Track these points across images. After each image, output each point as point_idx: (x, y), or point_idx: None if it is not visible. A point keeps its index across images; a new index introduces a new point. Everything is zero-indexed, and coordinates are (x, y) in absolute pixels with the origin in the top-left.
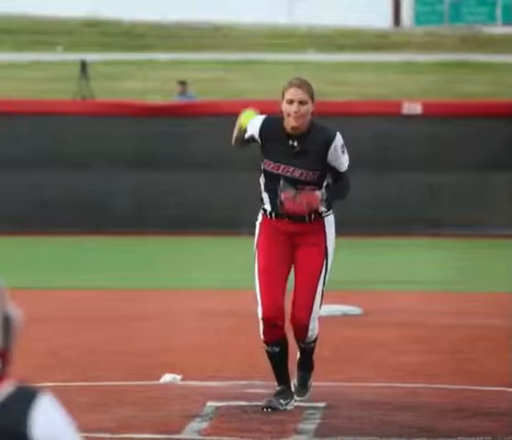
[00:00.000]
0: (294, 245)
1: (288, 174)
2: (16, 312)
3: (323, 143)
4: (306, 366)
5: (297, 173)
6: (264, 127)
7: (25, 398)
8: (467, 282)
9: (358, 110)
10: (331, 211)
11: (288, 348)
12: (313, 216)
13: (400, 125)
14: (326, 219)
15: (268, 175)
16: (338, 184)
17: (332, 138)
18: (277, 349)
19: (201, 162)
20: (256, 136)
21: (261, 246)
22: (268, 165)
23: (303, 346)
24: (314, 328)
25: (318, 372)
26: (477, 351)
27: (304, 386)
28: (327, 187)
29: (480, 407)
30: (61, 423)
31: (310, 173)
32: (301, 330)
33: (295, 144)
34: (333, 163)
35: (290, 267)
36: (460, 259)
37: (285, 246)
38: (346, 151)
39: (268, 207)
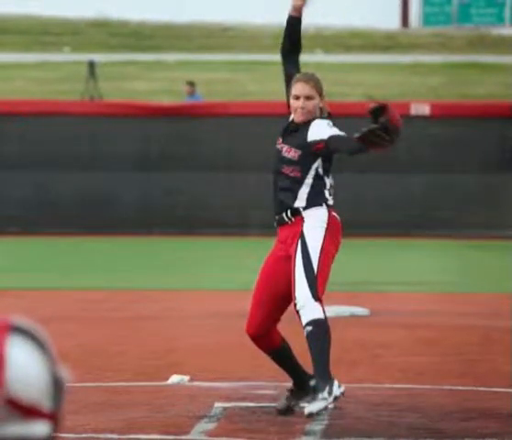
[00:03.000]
0: (289, 257)
1: (283, 152)
2: (64, 372)
3: (309, 124)
4: (313, 358)
5: (284, 148)
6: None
7: None
8: (475, 284)
9: (366, 111)
10: (317, 207)
11: (286, 353)
12: (290, 213)
13: (408, 126)
14: (305, 215)
15: (274, 158)
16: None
17: (315, 119)
18: (271, 357)
19: (209, 163)
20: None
21: (264, 263)
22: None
23: (304, 331)
24: (303, 304)
25: None
26: (485, 352)
27: (315, 387)
28: (315, 179)
29: (487, 408)
30: None
31: (292, 150)
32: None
33: (292, 130)
34: (315, 137)
35: (286, 287)
36: (468, 261)
37: (281, 263)
38: (335, 128)
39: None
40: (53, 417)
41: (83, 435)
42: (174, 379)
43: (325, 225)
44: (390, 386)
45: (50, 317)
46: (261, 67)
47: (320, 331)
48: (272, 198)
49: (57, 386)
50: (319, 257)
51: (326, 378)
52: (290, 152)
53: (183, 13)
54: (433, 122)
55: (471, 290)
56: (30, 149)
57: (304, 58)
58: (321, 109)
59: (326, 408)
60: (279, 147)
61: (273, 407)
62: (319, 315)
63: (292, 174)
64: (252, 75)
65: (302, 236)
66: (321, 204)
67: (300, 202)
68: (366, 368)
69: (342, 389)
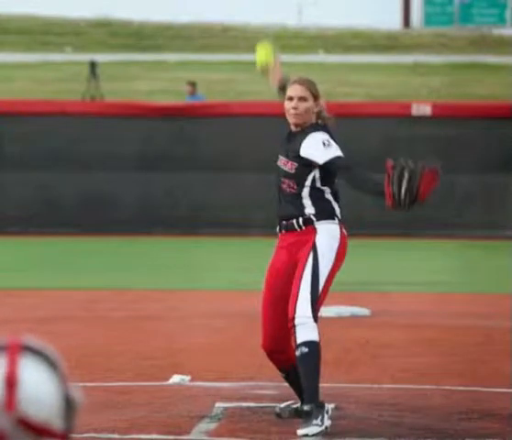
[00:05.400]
0: (295, 263)
1: (279, 164)
2: (76, 392)
3: (304, 135)
4: (306, 381)
5: (283, 161)
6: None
7: None
8: (476, 284)
9: (367, 111)
10: (330, 221)
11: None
12: (301, 221)
13: (409, 126)
14: (318, 226)
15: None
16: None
17: (312, 131)
18: (283, 374)
19: (210, 163)
20: None
21: (268, 272)
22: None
23: (297, 350)
24: (303, 322)
25: (327, 373)
26: (485, 353)
27: (305, 413)
28: (313, 194)
29: (488, 409)
30: None
31: (289, 163)
32: (289, 323)
33: (290, 139)
34: (309, 155)
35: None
36: (469, 261)
37: (287, 269)
38: (333, 145)
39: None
40: (64, 437)
41: (85, 435)
42: (175, 379)
43: (337, 244)
44: (390, 386)
45: (50, 317)
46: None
47: (314, 354)
48: (277, 204)
49: (68, 405)
50: (327, 277)
51: (318, 404)
52: (287, 165)
53: (184, 13)
54: (434, 122)
55: (471, 290)
56: (31, 150)
57: (306, 58)
58: (317, 114)
59: (319, 433)
60: (278, 162)
61: (275, 407)
62: (315, 337)
63: (290, 187)
64: (253, 75)
65: (315, 249)
66: (333, 218)
67: (309, 210)
68: (366, 369)
69: (330, 412)
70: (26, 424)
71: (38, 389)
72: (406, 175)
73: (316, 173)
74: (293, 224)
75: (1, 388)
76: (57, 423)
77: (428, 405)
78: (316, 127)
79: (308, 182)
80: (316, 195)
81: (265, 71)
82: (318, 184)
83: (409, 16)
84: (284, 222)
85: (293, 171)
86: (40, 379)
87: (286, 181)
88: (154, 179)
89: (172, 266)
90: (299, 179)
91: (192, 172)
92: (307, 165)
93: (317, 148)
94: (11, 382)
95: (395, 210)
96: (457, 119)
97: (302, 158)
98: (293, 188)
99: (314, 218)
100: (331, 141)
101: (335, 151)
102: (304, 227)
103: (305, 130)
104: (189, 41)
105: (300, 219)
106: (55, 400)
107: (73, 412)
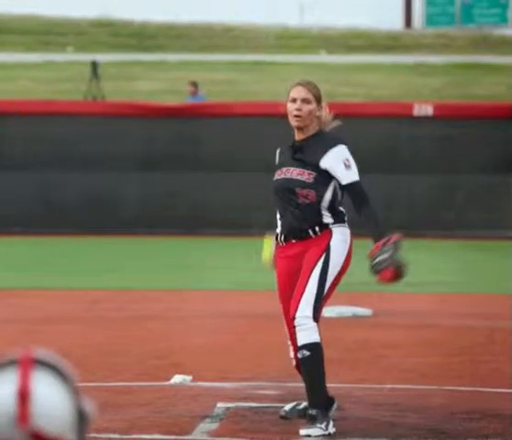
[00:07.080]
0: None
1: (288, 175)
2: (89, 405)
3: (323, 146)
4: (309, 385)
5: (295, 172)
6: (278, 155)
7: None
8: (478, 284)
9: (369, 111)
10: (343, 224)
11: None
12: (318, 229)
13: (411, 126)
14: (333, 228)
15: (275, 189)
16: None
17: (334, 145)
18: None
19: (211, 163)
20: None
21: (279, 285)
22: (274, 176)
23: (299, 353)
24: (304, 322)
25: (328, 373)
26: (488, 353)
27: (310, 417)
28: (332, 202)
29: (490, 409)
30: None
31: (306, 173)
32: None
33: (298, 148)
34: (330, 170)
35: None
36: (471, 261)
37: (298, 272)
38: (352, 166)
39: (278, 229)
40: None
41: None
42: (177, 379)
43: (348, 247)
44: (392, 386)
45: (50, 317)
46: (264, 67)
47: (316, 356)
48: (284, 216)
49: (81, 419)
50: (335, 278)
51: (324, 410)
52: (303, 175)
53: (185, 13)
54: (436, 122)
55: (472, 290)
56: (32, 149)
57: (307, 58)
58: (319, 118)
59: (322, 436)
60: (282, 175)
61: (277, 408)
62: (316, 338)
63: (308, 197)
64: (255, 75)
65: (328, 251)
66: (344, 222)
67: (327, 219)
68: (368, 369)
69: (334, 410)
70: (39, 438)
71: (50, 402)
72: (391, 252)
73: (336, 183)
74: (308, 233)
75: (14, 402)
76: (69, 436)
77: (430, 405)
78: (334, 139)
79: (329, 191)
80: (333, 203)
81: (271, 262)
82: (337, 193)
83: (411, 17)
84: (298, 232)
85: (311, 181)
86: (53, 392)
87: (304, 191)
88: (155, 179)
89: (172, 266)
90: (318, 188)
91: (192, 172)
92: (326, 175)
93: (339, 167)
94: (24, 396)
95: (369, 262)
96: (458, 119)
97: (321, 168)
98: (311, 198)
99: (330, 224)
100: (350, 160)
101: (353, 175)
102: (320, 233)
103: (317, 138)
104: (190, 41)
105: (317, 227)
106: (68, 413)
107: (86, 425)
